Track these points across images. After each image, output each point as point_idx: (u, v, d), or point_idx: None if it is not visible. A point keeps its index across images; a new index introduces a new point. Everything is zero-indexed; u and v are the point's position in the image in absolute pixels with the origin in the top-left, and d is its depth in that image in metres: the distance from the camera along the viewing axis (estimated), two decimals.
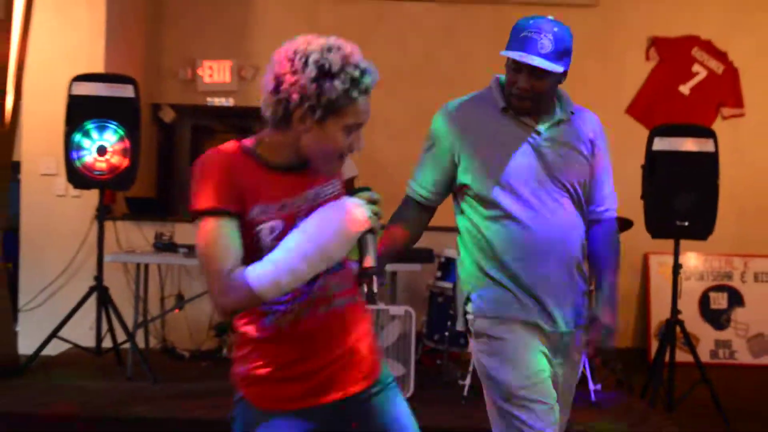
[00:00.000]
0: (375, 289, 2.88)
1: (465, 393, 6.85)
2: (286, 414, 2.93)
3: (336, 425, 3.01)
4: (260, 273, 2.68)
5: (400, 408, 3.09)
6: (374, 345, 3.11)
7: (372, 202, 2.88)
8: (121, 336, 7.64)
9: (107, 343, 7.77)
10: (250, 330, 2.93)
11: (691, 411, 7.26)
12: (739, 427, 7.17)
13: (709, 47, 10.47)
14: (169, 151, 10.85)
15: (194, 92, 10.44)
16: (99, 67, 8.58)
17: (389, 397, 3.08)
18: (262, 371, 2.93)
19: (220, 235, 2.73)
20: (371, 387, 3.03)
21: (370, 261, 2.86)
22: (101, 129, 7.59)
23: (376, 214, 2.86)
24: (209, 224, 2.75)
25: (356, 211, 2.80)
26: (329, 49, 2.79)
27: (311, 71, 2.73)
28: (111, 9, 8.96)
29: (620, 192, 7.17)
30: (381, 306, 6.84)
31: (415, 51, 10.26)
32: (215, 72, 10.39)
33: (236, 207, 2.76)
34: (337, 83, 2.73)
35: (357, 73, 2.78)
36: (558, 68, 3.51)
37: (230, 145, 2.89)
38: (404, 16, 10.40)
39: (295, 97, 2.74)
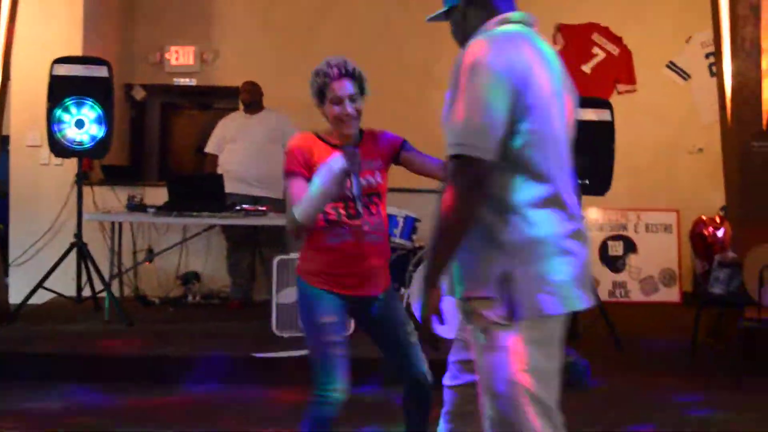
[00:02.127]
0: (359, 209, 3.64)
1: None
2: (330, 293, 3.71)
3: (358, 311, 3.86)
4: (298, 208, 3.53)
5: (398, 308, 3.93)
6: (387, 268, 3.89)
7: (350, 154, 3.52)
8: (98, 286, 7.58)
9: (87, 292, 7.68)
10: (318, 244, 3.73)
11: (592, 340, 7.33)
12: (631, 351, 7.29)
13: (607, 33, 10.52)
14: (140, 125, 10.73)
15: (162, 73, 10.38)
16: (77, 52, 8.49)
17: (391, 300, 3.90)
18: (321, 268, 3.73)
19: (292, 186, 3.62)
20: (383, 293, 3.84)
21: (349, 187, 3.61)
22: (79, 105, 7.51)
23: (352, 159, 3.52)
24: (288, 180, 3.65)
25: (331, 161, 3.50)
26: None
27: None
28: (88, 0, 8.88)
29: None
30: None
31: (357, 42, 10.11)
32: (180, 55, 10.32)
33: (304, 171, 3.64)
34: (317, 79, 3.76)
35: (325, 68, 3.74)
36: None
37: (306, 133, 3.80)
38: (348, 10, 10.30)
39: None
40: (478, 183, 2.63)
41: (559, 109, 2.83)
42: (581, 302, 2.79)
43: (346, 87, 3.69)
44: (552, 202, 2.75)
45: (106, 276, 7.50)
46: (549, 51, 2.91)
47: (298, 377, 5.91)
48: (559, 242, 2.73)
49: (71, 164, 8.00)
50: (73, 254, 7.56)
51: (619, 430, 5.27)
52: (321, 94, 3.72)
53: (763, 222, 7.47)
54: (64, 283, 7.74)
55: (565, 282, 2.72)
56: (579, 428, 5.21)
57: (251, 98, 8.38)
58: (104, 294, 7.43)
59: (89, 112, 7.50)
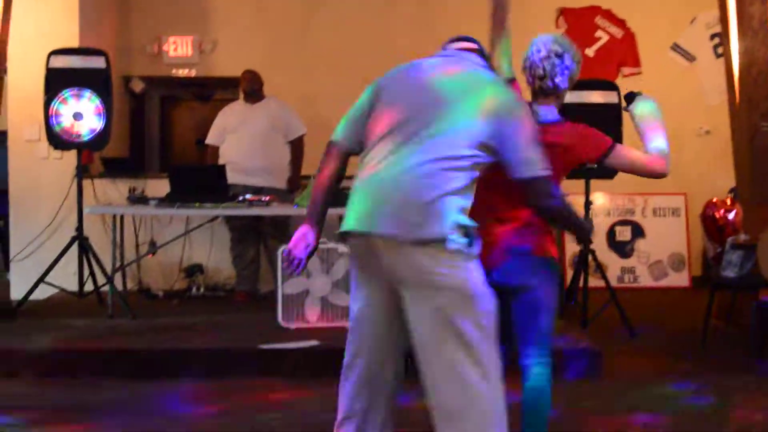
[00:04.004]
0: None
1: None
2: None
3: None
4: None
5: None
6: None
7: None
8: (101, 280, 7.48)
9: (89, 286, 7.59)
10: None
11: (602, 327, 7.25)
12: (643, 337, 7.21)
13: (609, 15, 10.42)
14: (140, 117, 10.61)
15: (160, 65, 10.25)
16: (74, 44, 8.37)
17: None
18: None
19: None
20: None
21: None
22: (77, 97, 7.39)
23: None
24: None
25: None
26: None
27: None
28: None
29: None
30: (330, 245, 6.74)
31: (348, 36, 10.06)
32: (179, 46, 10.19)
33: None
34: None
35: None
36: None
37: None
38: (338, 5, 10.13)
39: None
40: None
41: None
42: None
43: None
44: None
45: (109, 270, 7.40)
46: None
47: (304, 368, 5.91)
48: None
49: (71, 157, 7.87)
50: (74, 248, 7.45)
51: (634, 417, 5.18)
52: (572, 81, 3.81)
53: None
54: (66, 278, 7.64)
55: None
56: (594, 415, 5.16)
57: (251, 87, 8.28)
58: (107, 288, 7.33)
59: (88, 103, 7.39)
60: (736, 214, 7.28)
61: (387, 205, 3.10)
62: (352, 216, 3.22)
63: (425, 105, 3.22)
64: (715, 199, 7.48)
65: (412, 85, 3.33)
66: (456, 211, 3.08)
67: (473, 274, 3.12)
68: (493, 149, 3.18)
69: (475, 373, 3.07)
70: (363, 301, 3.33)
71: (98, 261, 7.43)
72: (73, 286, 7.65)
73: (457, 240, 3.05)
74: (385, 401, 3.34)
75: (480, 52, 3.56)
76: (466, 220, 3.11)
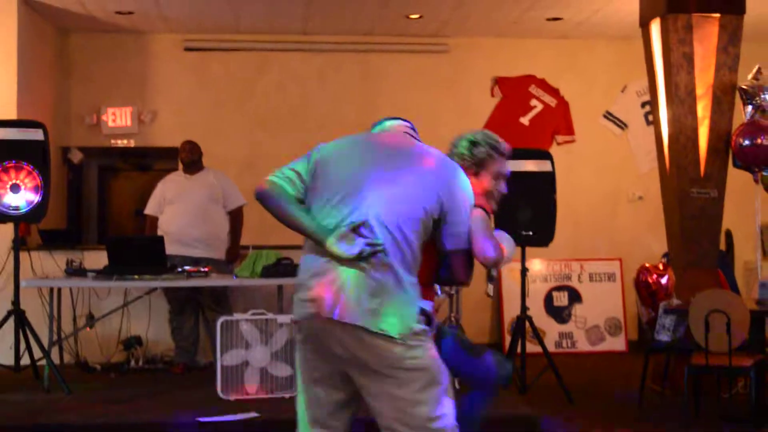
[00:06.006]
0: None
1: None
2: None
3: None
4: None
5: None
6: None
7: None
8: (38, 354, 7.38)
9: (25, 360, 7.48)
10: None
11: (541, 393, 7.31)
12: (581, 402, 7.26)
13: (543, 84, 10.64)
14: (78, 188, 10.58)
15: (99, 135, 10.22)
16: (12, 114, 8.39)
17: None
18: None
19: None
20: None
21: None
22: (15, 169, 7.34)
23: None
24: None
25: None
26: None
27: None
28: (22, 62, 8.79)
29: None
30: (269, 316, 6.76)
31: (294, 96, 10.22)
32: (118, 117, 10.18)
33: None
34: (484, 149, 3.88)
35: (497, 143, 3.92)
36: None
37: None
38: (283, 65, 10.35)
39: None
40: None
41: None
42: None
43: (508, 169, 3.96)
44: None
45: (45, 343, 7.30)
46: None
47: None
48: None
49: (8, 230, 7.80)
50: (10, 322, 7.35)
51: None
52: (481, 165, 3.85)
53: (706, 267, 7.56)
54: (2, 351, 7.56)
55: None
56: None
57: (190, 157, 8.31)
58: (44, 362, 7.23)
59: (25, 176, 7.36)
60: (669, 278, 7.42)
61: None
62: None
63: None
64: (647, 264, 7.62)
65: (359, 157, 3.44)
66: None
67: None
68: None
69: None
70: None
71: (35, 334, 7.31)
72: (9, 360, 7.51)
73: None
74: None
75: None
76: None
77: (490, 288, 7.07)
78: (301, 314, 3.33)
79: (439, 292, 7.18)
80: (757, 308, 6.74)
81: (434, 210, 3.35)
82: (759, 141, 7.35)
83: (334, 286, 3.24)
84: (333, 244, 3.22)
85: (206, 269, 7.44)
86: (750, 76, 7.54)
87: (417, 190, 3.33)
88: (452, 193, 3.40)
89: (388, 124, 3.70)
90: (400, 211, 3.29)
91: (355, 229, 3.23)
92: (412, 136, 3.62)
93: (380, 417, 3.31)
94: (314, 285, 3.28)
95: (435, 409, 3.27)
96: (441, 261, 3.50)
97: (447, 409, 3.31)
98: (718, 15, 7.56)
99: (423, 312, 3.32)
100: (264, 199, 3.39)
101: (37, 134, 7.48)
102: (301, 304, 3.33)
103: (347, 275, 3.23)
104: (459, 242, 3.43)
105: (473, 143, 3.89)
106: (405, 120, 3.71)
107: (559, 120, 10.61)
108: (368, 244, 3.21)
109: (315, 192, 3.38)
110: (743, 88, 7.53)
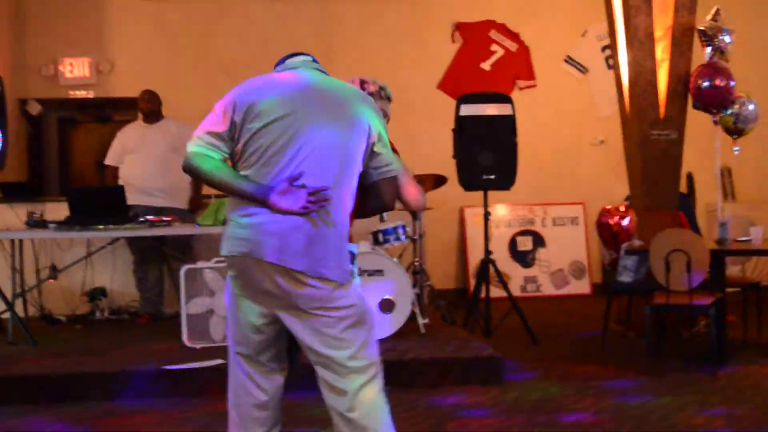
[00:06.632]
0: None
1: None
2: None
3: None
4: None
5: None
6: None
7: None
8: (1, 306, 7.33)
9: None
10: None
11: (506, 335, 7.40)
12: (545, 344, 7.37)
13: (504, 30, 10.62)
14: (37, 140, 10.47)
15: (57, 87, 10.13)
16: None
17: None
18: None
19: None
20: None
21: None
22: None
23: None
24: None
25: None
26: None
27: None
28: None
29: (437, 153, 7.05)
30: None
31: (253, 42, 10.12)
32: (75, 67, 10.10)
33: None
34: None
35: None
36: None
37: None
38: (242, 11, 10.24)
39: None
40: None
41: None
42: None
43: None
44: None
45: (9, 296, 7.27)
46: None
47: (212, 387, 5.87)
48: None
49: None
50: None
51: (538, 421, 5.29)
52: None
53: (667, 209, 7.64)
54: None
55: None
56: (502, 421, 5.26)
57: (150, 107, 8.24)
58: (8, 315, 7.21)
59: None
60: (630, 220, 7.48)
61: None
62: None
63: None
64: (609, 207, 7.67)
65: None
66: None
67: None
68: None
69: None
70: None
71: None
72: None
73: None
74: None
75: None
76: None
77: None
78: (234, 251, 3.30)
79: (402, 237, 7.21)
80: (717, 247, 6.82)
81: (367, 146, 3.36)
82: (717, 82, 7.38)
83: (272, 229, 3.23)
84: (276, 203, 3.19)
85: (169, 218, 7.41)
86: (708, 18, 7.55)
87: (350, 131, 3.30)
88: (378, 125, 3.41)
89: (296, 60, 3.60)
90: (336, 156, 3.27)
91: (294, 181, 3.20)
92: (323, 71, 3.53)
93: (309, 352, 3.35)
94: (248, 224, 3.27)
95: (361, 346, 3.34)
96: (364, 194, 3.45)
97: (373, 346, 3.40)
98: None
99: (350, 254, 3.39)
100: (192, 172, 3.36)
101: None
102: (235, 242, 3.30)
103: (284, 220, 3.22)
104: (389, 170, 3.44)
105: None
106: (307, 54, 3.62)
107: (520, 65, 10.61)
108: (311, 196, 3.18)
109: (244, 146, 3.31)
110: (702, 30, 7.54)
